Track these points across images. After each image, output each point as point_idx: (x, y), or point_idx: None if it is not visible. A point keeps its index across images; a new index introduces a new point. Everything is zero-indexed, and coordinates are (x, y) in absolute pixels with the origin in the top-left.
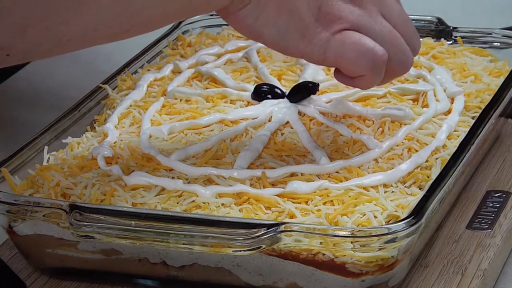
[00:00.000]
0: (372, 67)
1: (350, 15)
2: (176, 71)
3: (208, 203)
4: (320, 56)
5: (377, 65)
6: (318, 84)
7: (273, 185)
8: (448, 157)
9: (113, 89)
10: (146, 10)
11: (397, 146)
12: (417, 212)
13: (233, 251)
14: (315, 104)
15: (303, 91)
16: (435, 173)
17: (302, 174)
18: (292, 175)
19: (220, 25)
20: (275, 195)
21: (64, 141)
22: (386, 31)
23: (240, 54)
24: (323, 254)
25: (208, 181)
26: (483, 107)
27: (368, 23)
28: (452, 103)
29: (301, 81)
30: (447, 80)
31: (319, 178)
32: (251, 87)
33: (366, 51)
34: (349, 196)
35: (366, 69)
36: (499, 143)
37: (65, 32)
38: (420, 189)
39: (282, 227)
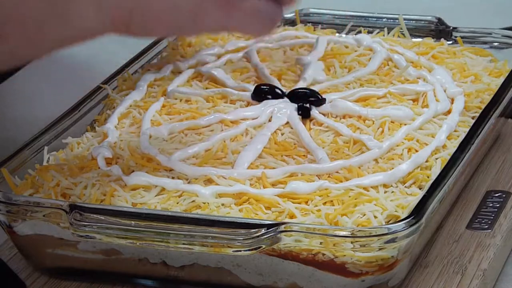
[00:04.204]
0: (270, 27)
1: None
2: (176, 71)
3: (208, 203)
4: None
5: (274, 24)
6: (325, 99)
7: (273, 185)
8: (448, 157)
9: (113, 89)
10: None
11: (397, 146)
12: (417, 212)
13: (233, 251)
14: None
15: (306, 99)
16: (435, 173)
17: (302, 174)
18: (292, 175)
19: None
20: (275, 195)
21: (64, 141)
22: None
23: (240, 54)
24: (323, 254)
25: (208, 181)
26: (483, 107)
27: None
28: (452, 103)
29: (301, 82)
30: (447, 80)
31: (319, 178)
32: (251, 87)
33: (265, 17)
34: (349, 196)
35: (265, 30)
36: (499, 143)
37: None
38: (420, 189)
39: (282, 227)
